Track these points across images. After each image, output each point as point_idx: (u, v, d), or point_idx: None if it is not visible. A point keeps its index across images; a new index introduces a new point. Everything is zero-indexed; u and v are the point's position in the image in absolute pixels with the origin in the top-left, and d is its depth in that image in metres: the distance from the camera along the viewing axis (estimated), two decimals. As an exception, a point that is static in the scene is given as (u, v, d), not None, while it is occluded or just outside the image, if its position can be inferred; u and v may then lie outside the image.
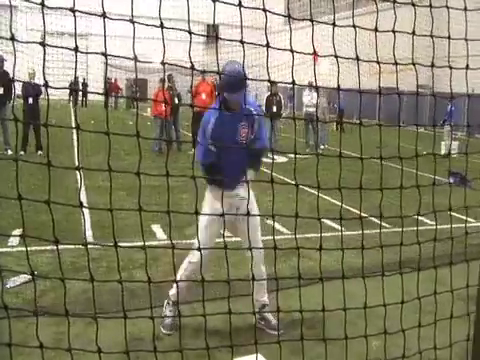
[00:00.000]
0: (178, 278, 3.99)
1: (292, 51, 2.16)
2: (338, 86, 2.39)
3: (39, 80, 13.03)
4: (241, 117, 3.94)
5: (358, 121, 2.47)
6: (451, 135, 14.60)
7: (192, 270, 3.99)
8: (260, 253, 4.13)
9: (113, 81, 33.38)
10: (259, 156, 4.25)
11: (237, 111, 3.94)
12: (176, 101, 14.48)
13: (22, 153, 13.05)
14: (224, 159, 3.58)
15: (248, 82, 2.06)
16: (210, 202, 4.06)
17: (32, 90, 12.84)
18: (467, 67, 2.66)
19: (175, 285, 4.05)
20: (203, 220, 4.02)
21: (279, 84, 13.11)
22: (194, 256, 4.01)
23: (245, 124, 3.99)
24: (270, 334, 4.15)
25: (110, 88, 31.23)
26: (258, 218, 4.16)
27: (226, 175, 3.46)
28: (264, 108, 14.85)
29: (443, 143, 15.65)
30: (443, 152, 14.84)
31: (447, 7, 2.67)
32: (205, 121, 3.98)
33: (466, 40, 2.68)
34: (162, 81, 12.41)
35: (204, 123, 3.98)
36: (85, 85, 33.44)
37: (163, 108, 13.33)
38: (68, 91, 31.62)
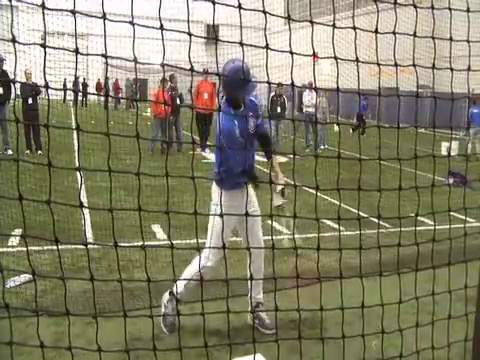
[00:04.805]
0: (189, 277, 4.03)
1: (291, 53, 2.17)
2: (337, 87, 2.40)
3: (36, 79, 13.01)
4: (248, 110, 4.10)
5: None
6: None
7: (205, 273, 3.84)
8: (260, 251, 4.17)
9: (114, 81, 33.31)
10: (269, 138, 4.49)
11: (242, 105, 4.05)
12: (178, 102, 14.45)
13: (28, 152, 13.10)
14: (241, 154, 3.65)
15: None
16: (228, 203, 3.80)
17: (30, 90, 12.85)
18: (469, 68, 2.66)
19: (183, 285, 4.07)
20: (218, 223, 3.88)
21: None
22: (209, 260, 3.98)
23: (252, 114, 4.14)
24: (266, 333, 4.17)
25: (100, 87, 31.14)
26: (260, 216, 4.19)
27: (245, 169, 3.57)
28: (268, 109, 14.81)
29: (444, 143, 15.65)
30: (443, 153, 14.85)
31: (449, 9, 2.68)
32: (227, 129, 3.92)
33: (468, 41, 2.68)
34: (163, 81, 12.40)
35: (227, 131, 3.92)
36: (85, 85, 33.36)
37: (163, 108, 13.32)
38: (63, 90, 31.46)
